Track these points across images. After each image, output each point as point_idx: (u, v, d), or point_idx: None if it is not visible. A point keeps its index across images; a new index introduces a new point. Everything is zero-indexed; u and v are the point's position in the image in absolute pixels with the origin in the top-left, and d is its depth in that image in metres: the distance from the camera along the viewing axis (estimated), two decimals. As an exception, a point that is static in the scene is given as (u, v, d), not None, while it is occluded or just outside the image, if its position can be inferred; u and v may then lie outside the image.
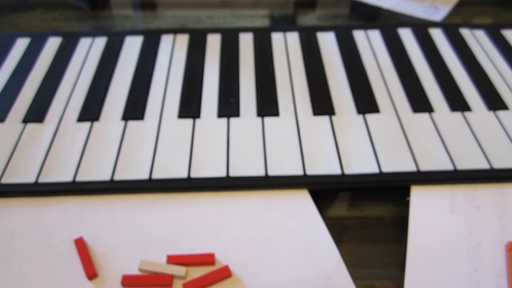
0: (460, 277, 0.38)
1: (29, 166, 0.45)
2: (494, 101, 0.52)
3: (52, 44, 0.61)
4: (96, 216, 0.42)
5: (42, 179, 0.44)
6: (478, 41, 0.62)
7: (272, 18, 0.70)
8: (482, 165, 0.45)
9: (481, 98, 0.53)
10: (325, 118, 0.50)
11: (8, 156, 0.46)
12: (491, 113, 0.51)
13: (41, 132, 0.49)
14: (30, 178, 0.44)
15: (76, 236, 0.41)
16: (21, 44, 0.61)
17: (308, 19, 0.70)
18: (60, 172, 0.45)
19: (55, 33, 0.63)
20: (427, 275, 0.38)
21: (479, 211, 0.43)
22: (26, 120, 0.50)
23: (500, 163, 0.45)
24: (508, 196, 0.44)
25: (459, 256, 0.39)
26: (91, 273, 0.37)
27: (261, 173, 0.44)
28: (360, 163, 0.45)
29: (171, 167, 0.45)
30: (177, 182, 0.44)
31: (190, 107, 0.51)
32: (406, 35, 0.63)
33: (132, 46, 0.61)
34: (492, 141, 0.47)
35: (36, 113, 0.51)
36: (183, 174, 0.44)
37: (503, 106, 0.52)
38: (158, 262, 0.38)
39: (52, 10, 0.72)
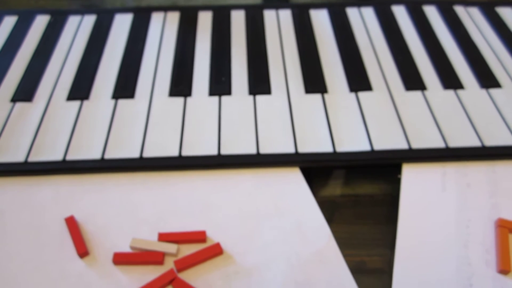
0: (450, 253, 0.38)
1: (18, 145, 0.45)
2: (487, 79, 0.52)
3: (40, 22, 0.60)
4: (87, 195, 0.42)
5: (32, 158, 0.44)
6: (472, 18, 0.61)
7: (265, -5, 0.69)
8: (474, 142, 0.45)
9: (474, 76, 0.53)
10: (317, 96, 0.50)
11: (-3, 135, 0.46)
12: (483, 91, 0.51)
13: (30, 111, 0.48)
14: (19, 157, 0.44)
15: (67, 215, 0.40)
16: (8, 22, 0.60)
17: (301, -4, 0.69)
18: (50, 151, 0.44)
19: (43, 11, 0.62)
20: (417, 251, 0.38)
21: (470, 188, 0.43)
22: (15, 99, 0.50)
23: (491, 141, 0.45)
24: (499, 173, 0.44)
25: (449, 232, 0.39)
26: (83, 251, 0.37)
27: (253, 151, 0.44)
28: (352, 141, 0.45)
29: (162, 146, 0.45)
30: (168, 160, 0.44)
31: (181, 85, 0.51)
32: (400, 13, 0.62)
33: (122, 24, 0.60)
34: (484, 119, 0.47)
35: (25, 92, 0.50)
36: (174, 153, 0.44)
37: (496, 84, 0.51)
38: (149, 240, 0.38)
39: (40, -13, 0.70)
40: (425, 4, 0.63)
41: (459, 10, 0.63)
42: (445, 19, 0.60)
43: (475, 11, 0.63)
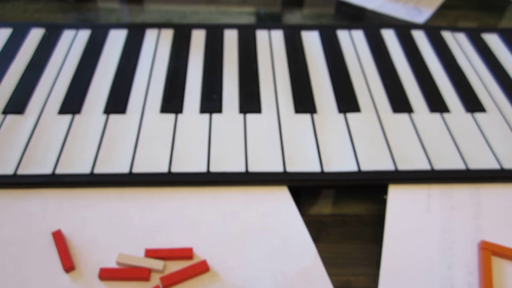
0: (434, 274, 0.39)
1: (8, 157, 0.45)
2: (472, 103, 0.53)
3: (35, 36, 0.60)
4: (75, 209, 0.42)
5: (21, 171, 0.44)
6: (459, 44, 0.63)
7: (258, 15, 0.70)
8: (459, 165, 0.46)
9: (459, 100, 0.54)
10: (307, 116, 0.50)
11: (-13, 147, 0.46)
12: (468, 115, 0.52)
13: (21, 123, 0.48)
14: (8, 170, 0.44)
15: (55, 228, 0.40)
16: (3, 35, 0.60)
17: (293, 17, 0.70)
18: (40, 164, 0.44)
19: (38, 24, 0.62)
20: (402, 272, 0.39)
21: (455, 210, 0.43)
22: (6, 111, 0.50)
23: (475, 164, 0.46)
24: (483, 196, 0.45)
25: (433, 253, 0.40)
26: (68, 266, 0.37)
27: (242, 169, 0.45)
28: (340, 161, 0.46)
29: (152, 161, 0.45)
30: (157, 176, 0.44)
31: (172, 102, 0.51)
32: (389, 36, 0.63)
33: (116, 40, 0.60)
34: (469, 142, 0.49)
35: (17, 104, 0.50)
36: (164, 169, 0.44)
37: (481, 109, 0.53)
38: (136, 256, 0.38)
39: (35, 1, 0.71)
40: (413, 29, 0.65)
41: (446, 35, 0.64)
42: (433, 44, 0.62)
43: (461, 37, 0.64)
